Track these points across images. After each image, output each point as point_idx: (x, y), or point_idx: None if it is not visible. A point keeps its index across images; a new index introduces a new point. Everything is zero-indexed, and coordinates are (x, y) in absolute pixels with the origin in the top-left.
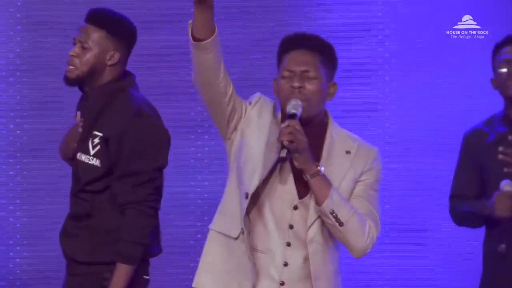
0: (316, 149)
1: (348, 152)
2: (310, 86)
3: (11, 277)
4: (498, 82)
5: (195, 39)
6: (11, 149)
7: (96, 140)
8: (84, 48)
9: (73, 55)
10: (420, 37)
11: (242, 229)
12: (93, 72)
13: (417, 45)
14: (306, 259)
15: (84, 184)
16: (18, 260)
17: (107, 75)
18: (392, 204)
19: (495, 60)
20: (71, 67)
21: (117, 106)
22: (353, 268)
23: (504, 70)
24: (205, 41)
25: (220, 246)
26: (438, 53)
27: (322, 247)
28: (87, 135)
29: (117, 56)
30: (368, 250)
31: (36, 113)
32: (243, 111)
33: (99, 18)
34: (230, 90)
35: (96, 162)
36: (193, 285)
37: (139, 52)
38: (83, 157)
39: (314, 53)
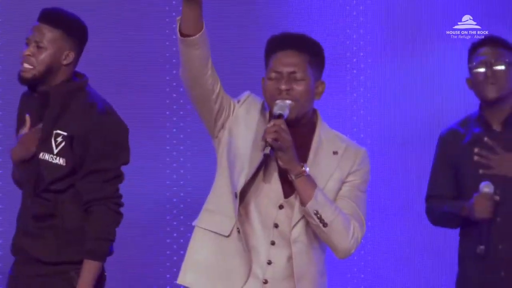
0: (303, 149)
1: (335, 153)
2: (298, 87)
3: None
4: (474, 83)
5: (183, 35)
6: None
7: (59, 139)
8: (39, 48)
9: (29, 55)
10: (419, 36)
11: (238, 228)
12: (50, 71)
13: (416, 44)
14: (290, 258)
15: (49, 183)
16: None
17: (62, 75)
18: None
19: (471, 60)
20: (28, 66)
21: (79, 105)
22: (327, 266)
23: (481, 70)
24: (193, 37)
25: (210, 244)
26: (438, 53)
27: (306, 247)
28: (48, 135)
29: (72, 55)
30: (353, 251)
31: (11, 112)
32: (231, 110)
33: (54, 18)
34: (218, 87)
35: (60, 161)
36: (178, 282)
37: (115, 51)
38: (46, 157)
39: (301, 54)
